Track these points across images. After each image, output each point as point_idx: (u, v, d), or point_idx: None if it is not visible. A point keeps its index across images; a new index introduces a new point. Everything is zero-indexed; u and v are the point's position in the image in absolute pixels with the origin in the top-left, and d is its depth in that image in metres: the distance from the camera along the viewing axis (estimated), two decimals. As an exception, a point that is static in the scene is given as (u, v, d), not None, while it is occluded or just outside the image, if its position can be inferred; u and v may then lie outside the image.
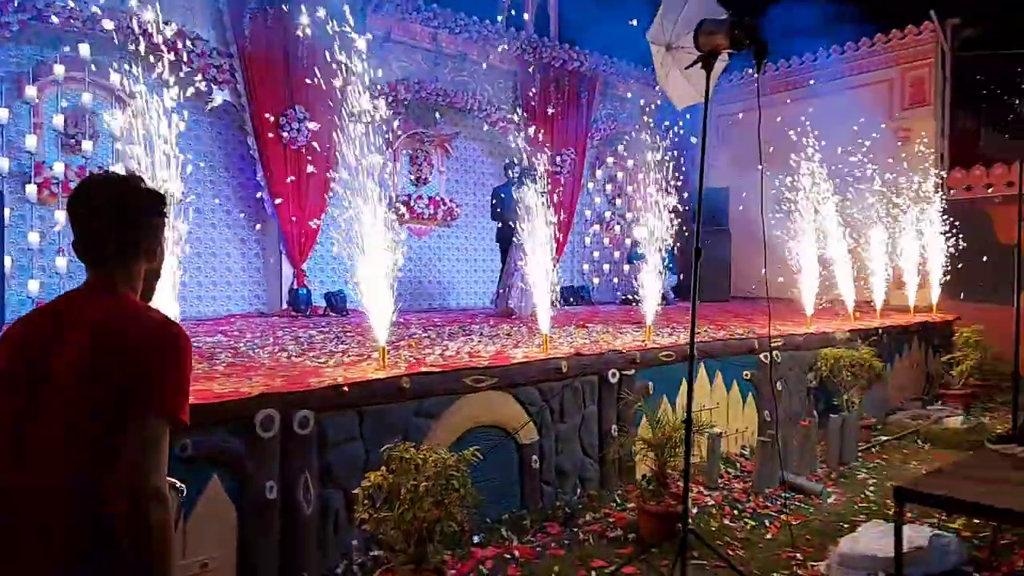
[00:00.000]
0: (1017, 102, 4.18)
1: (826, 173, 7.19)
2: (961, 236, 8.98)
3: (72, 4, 6.50)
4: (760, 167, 3.09)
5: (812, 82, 11.13)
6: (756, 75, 2.74)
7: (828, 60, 11.09)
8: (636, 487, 4.40)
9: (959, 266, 8.88)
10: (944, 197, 9.39)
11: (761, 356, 5.82)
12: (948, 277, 8.77)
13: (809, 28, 11.61)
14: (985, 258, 8.76)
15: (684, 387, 4.79)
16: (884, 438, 6.28)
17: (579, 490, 4.48)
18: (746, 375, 5.81)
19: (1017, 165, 8.11)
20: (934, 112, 9.92)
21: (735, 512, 4.39)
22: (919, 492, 2.82)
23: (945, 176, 9.85)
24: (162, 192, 1.72)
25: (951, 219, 8.92)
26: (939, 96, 9.93)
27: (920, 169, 9.42)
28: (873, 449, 5.97)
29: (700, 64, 2.93)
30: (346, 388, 3.39)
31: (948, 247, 8.78)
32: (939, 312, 8.76)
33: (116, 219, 1.59)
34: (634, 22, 7.35)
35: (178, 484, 2.40)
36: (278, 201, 7.80)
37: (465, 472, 3.03)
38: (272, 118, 7.64)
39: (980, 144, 10.23)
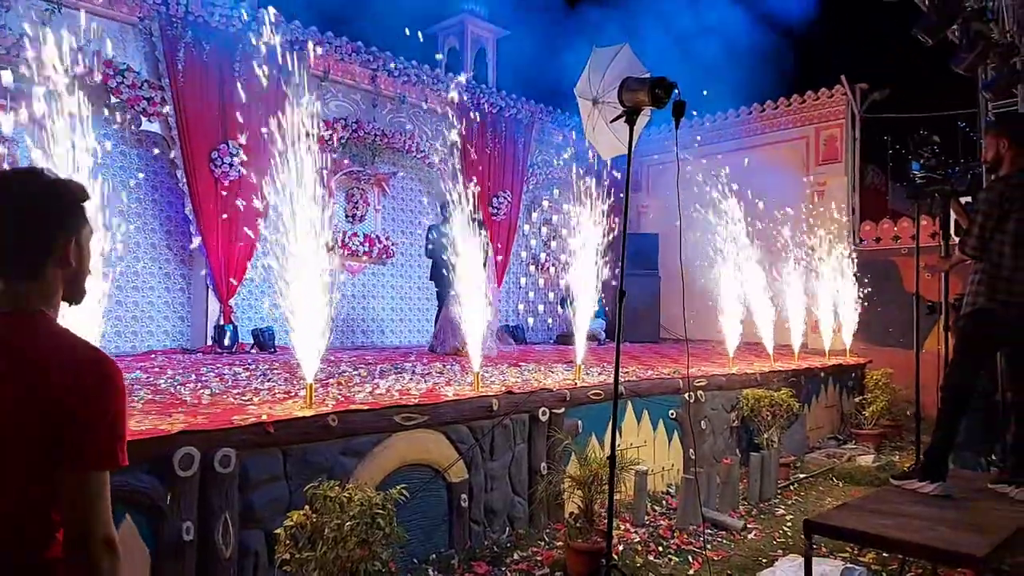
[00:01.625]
0: (912, 167, 4.56)
1: (749, 222, 7.58)
2: (871, 284, 9.56)
3: (-4, 29, 6.32)
4: (678, 221, 3.26)
5: (738, 136, 11.79)
6: (674, 131, 2.92)
7: (751, 116, 11.76)
8: (564, 525, 4.44)
9: (869, 312, 9.43)
10: (855, 248, 10.01)
11: (686, 395, 6.01)
12: (859, 323, 9.28)
13: (736, 86, 12.36)
14: (897, 305, 9.34)
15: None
16: (802, 475, 6.53)
17: (508, 529, 4.48)
18: (672, 414, 5.97)
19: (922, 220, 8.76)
20: (846, 168, 10.62)
21: (659, 548, 4.47)
22: (826, 525, 2.97)
23: (856, 228, 10.51)
24: (75, 183, 1.48)
25: (862, 268, 9.49)
26: (850, 154, 10.66)
27: (834, 221, 10.03)
28: (792, 486, 6.20)
29: (624, 118, 3.10)
30: (270, 426, 3.33)
31: (859, 294, 9.32)
32: (852, 355, 9.24)
33: (14, 222, 1.37)
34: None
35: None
36: (203, 238, 7.64)
37: (391, 511, 3.01)
38: (204, 152, 7.54)
39: (887, 199, 11.00)
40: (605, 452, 4.92)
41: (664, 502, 5.47)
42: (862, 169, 10.78)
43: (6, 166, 6.64)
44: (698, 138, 11.55)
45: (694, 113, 12.30)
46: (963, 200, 4.64)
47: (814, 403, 8.00)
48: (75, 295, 1.49)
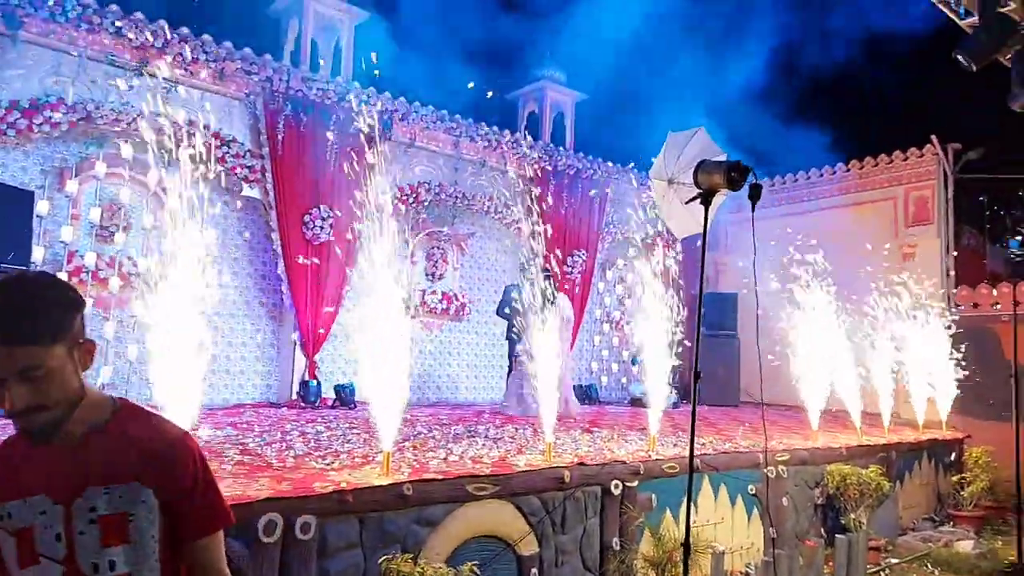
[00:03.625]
0: (1011, 245, 4.35)
1: (833, 286, 7.35)
2: (969, 353, 9.01)
3: (119, 108, 6.99)
4: (755, 289, 3.25)
5: (820, 197, 11.52)
6: (752, 214, 2.94)
7: (835, 177, 11.50)
8: (636, 605, 4.33)
9: (967, 383, 8.86)
10: (951, 314, 9.49)
11: (766, 471, 5.80)
12: (956, 394, 8.74)
13: (819, 145, 12.15)
14: (998, 376, 8.75)
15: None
16: (893, 561, 6.14)
17: (578, 606, 4.41)
18: (751, 490, 5.77)
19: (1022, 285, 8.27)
20: (938, 230, 10.18)
21: (737, 637, 4.28)
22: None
23: (951, 293, 9.99)
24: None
25: (958, 336, 8.97)
26: (943, 215, 10.21)
27: (926, 285, 9.57)
28: (882, 573, 5.84)
29: (699, 200, 3.14)
30: (349, 495, 3.45)
31: (956, 363, 8.80)
32: (949, 429, 8.68)
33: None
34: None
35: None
36: (293, 296, 8.05)
37: (462, 588, 3.04)
38: (298, 216, 8.01)
39: (985, 262, 10.43)
40: (680, 528, 4.80)
41: (742, 583, 5.25)
42: (956, 231, 10.29)
43: (122, 232, 7.26)
44: (778, 197, 11.35)
45: (769, 178, 12.12)
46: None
47: (907, 480, 7.54)
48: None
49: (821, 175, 11.67)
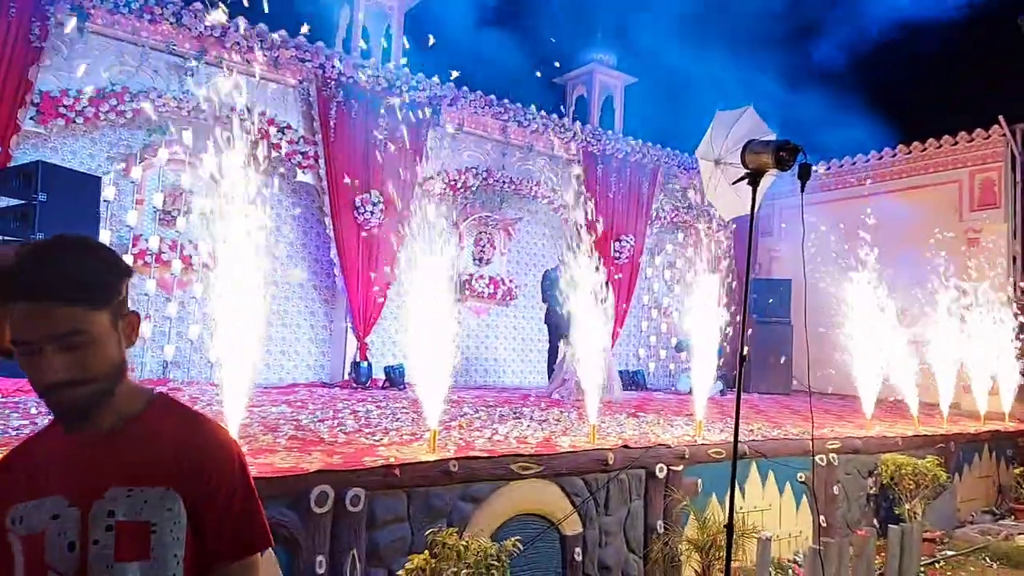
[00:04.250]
0: None
1: (892, 272, 7.12)
2: (1036, 342, 8.63)
3: (180, 95, 7.25)
4: (804, 272, 3.19)
5: (879, 180, 11.15)
6: (801, 195, 2.89)
7: (895, 159, 11.10)
8: (680, 588, 4.34)
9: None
10: (1016, 300, 9.10)
11: (817, 458, 5.70)
12: (1021, 385, 8.39)
13: (876, 128, 11.75)
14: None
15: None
16: (949, 553, 5.97)
17: (622, 586, 4.44)
18: (800, 477, 5.68)
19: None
20: (1005, 214, 9.75)
21: (782, 623, 4.26)
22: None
23: (1017, 279, 9.57)
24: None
25: (1025, 323, 8.61)
26: (1010, 198, 9.77)
27: (991, 270, 9.20)
28: (937, 565, 5.69)
29: (747, 180, 3.10)
30: (397, 469, 3.55)
31: (1021, 353, 8.44)
32: (1012, 420, 8.35)
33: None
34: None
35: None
36: (345, 279, 8.25)
37: (505, 562, 3.11)
38: (350, 200, 8.18)
39: (1055, 247, 9.97)
40: (725, 513, 4.78)
41: (790, 571, 5.20)
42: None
43: (183, 217, 7.54)
44: (834, 180, 11.02)
45: (826, 160, 11.78)
46: None
47: (966, 472, 7.30)
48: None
49: (881, 158, 11.28)
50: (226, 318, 3.98)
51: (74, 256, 1.22)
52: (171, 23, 7.24)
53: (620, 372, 10.57)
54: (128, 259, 7.22)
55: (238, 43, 7.59)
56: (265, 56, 7.81)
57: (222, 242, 4.19)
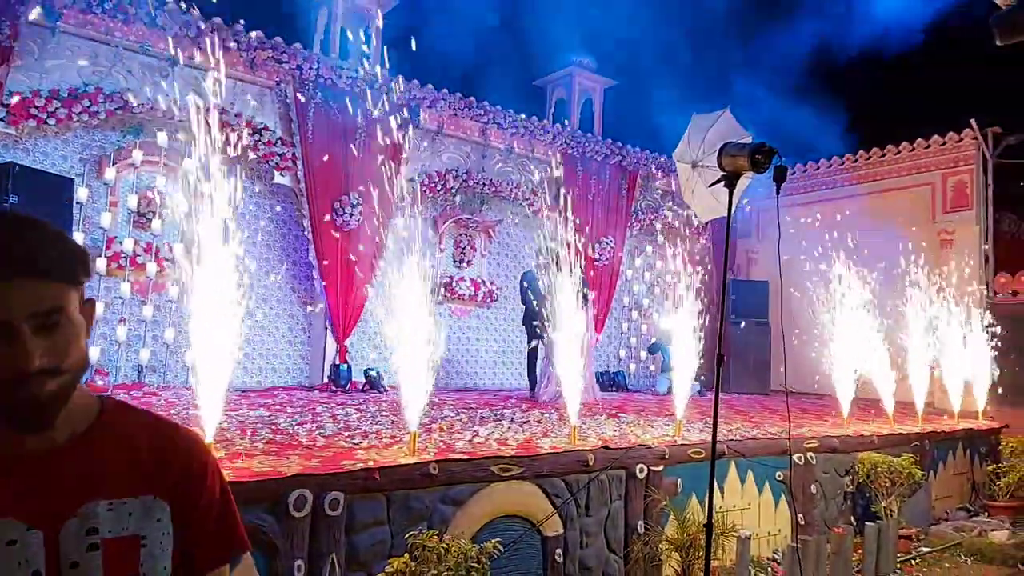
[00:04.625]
0: None
1: (867, 273, 7.22)
2: (1007, 341, 8.80)
3: (154, 97, 7.15)
4: (779, 273, 3.23)
5: (854, 183, 11.31)
6: (776, 197, 2.91)
7: (870, 162, 11.27)
8: (661, 587, 4.36)
9: (1006, 372, 8.67)
10: (989, 301, 9.27)
11: (795, 457, 5.76)
12: (994, 383, 8.55)
13: (848, 129, 11.92)
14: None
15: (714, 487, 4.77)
16: (925, 550, 6.06)
17: (602, 587, 4.45)
18: (779, 476, 5.73)
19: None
20: (977, 216, 9.93)
21: (761, 621, 4.29)
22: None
23: (990, 280, 9.75)
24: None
25: (996, 323, 8.77)
26: (981, 201, 9.96)
27: (964, 272, 9.37)
28: (913, 561, 5.77)
29: (723, 183, 3.12)
30: (376, 472, 3.52)
31: (994, 352, 8.60)
32: (985, 418, 8.50)
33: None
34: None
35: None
36: (324, 282, 8.19)
37: (486, 564, 3.10)
38: (328, 202, 8.12)
39: (1026, 249, 10.17)
40: (705, 513, 4.81)
41: (769, 569, 5.25)
42: (996, 217, 10.03)
43: (158, 219, 7.43)
44: (809, 184, 11.16)
45: (803, 163, 11.93)
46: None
47: (941, 470, 7.42)
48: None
49: (856, 160, 11.45)
50: (201, 321, 3.93)
51: (44, 230, 1.09)
52: (145, 23, 7.14)
53: (600, 373, 10.61)
54: (102, 262, 7.11)
55: (213, 44, 7.50)
56: (241, 57, 7.74)
57: (197, 244, 4.14)
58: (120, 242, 7.23)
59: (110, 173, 7.27)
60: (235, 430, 4.55)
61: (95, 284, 7.22)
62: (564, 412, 5.16)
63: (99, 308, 7.09)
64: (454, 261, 10.09)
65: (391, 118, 8.24)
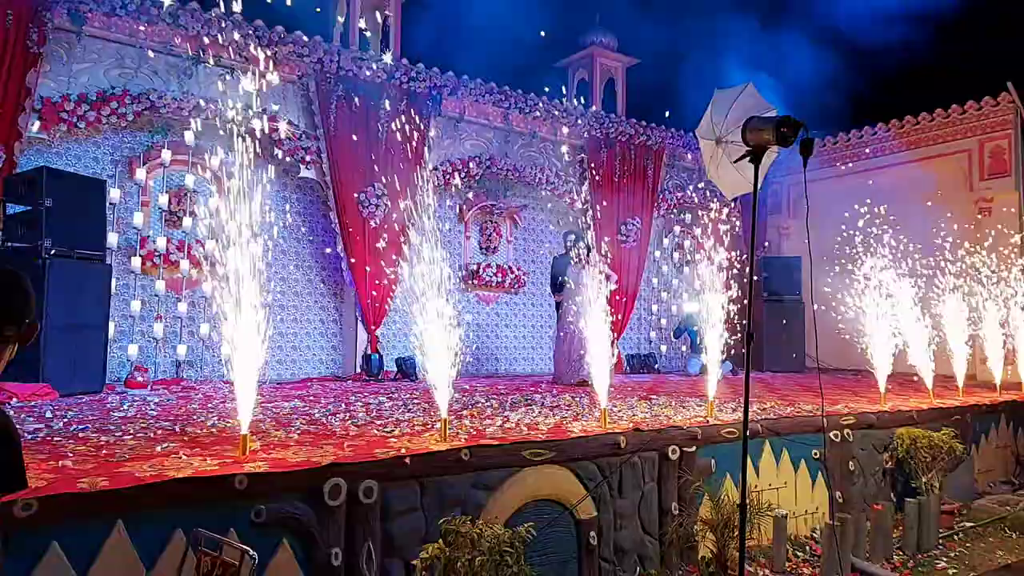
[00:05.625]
0: None
1: (904, 244, 7.05)
2: (1051, 310, 8.52)
3: (180, 96, 7.25)
4: (808, 247, 3.17)
5: (887, 152, 11.02)
6: (803, 170, 2.85)
7: (902, 131, 10.96)
8: (697, 568, 4.34)
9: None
10: (1031, 269, 8.97)
11: (831, 434, 5.67)
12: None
13: (883, 99, 11.58)
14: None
15: (747, 466, 4.73)
16: (968, 524, 5.94)
17: (638, 569, 4.44)
18: (815, 454, 5.66)
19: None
20: (1016, 183, 9.61)
21: (800, 600, 4.25)
22: (985, 591, 2.73)
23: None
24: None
25: (1039, 292, 8.49)
26: (1021, 166, 9.63)
27: (1004, 240, 9.09)
28: (956, 537, 5.66)
29: (748, 158, 3.06)
30: (408, 459, 3.56)
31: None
32: (1029, 390, 8.26)
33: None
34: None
35: (249, 552, 2.61)
36: (352, 273, 8.26)
37: (520, 549, 3.11)
38: (353, 194, 8.18)
39: (1069, 214, 9.83)
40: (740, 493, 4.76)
41: (808, 548, 5.19)
42: (1036, 183, 9.71)
43: (189, 216, 7.56)
44: (843, 154, 10.90)
45: (832, 135, 11.64)
46: None
47: (983, 443, 7.24)
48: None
49: (888, 129, 11.15)
50: (232, 316, 3.99)
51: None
52: (168, 23, 7.23)
53: (631, 355, 10.57)
54: (136, 261, 7.26)
55: (235, 41, 7.57)
56: (264, 53, 7.80)
57: (227, 241, 4.20)
58: (153, 240, 7.38)
59: (140, 173, 7.41)
60: (270, 422, 4.63)
61: (131, 283, 7.39)
62: (595, 396, 5.15)
63: (135, 306, 7.26)
64: (480, 248, 10.10)
65: (412, 107, 8.25)
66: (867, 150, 11.29)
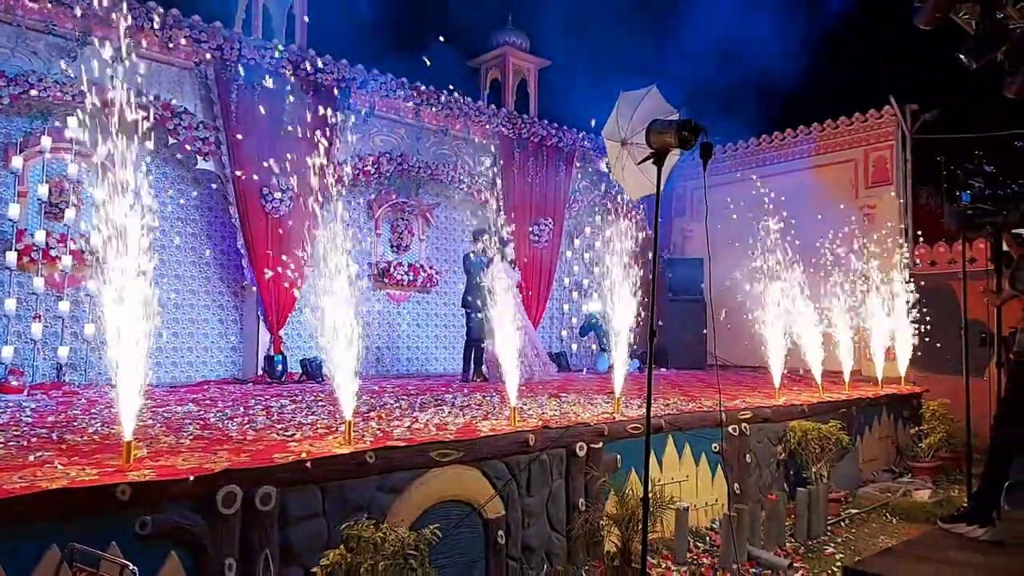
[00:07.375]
0: (962, 198, 4.44)
1: (796, 246, 7.42)
2: (926, 310, 9.22)
3: (63, 80, 6.73)
4: (707, 248, 3.26)
5: (785, 160, 11.64)
6: (703, 173, 2.93)
7: (798, 139, 11.60)
8: (603, 562, 4.40)
9: (926, 339, 9.09)
10: (909, 272, 9.69)
11: (730, 428, 5.90)
12: (915, 350, 8.96)
13: (778, 110, 12.21)
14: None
15: (651, 461, 4.83)
16: (853, 511, 6.33)
17: (546, 566, 4.46)
18: (715, 447, 5.87)
19: (979, 242, 8.49)
20: (897, 191, 10.35)
21: (700, 589, 4.39)
22: (867, 574, 2.89)
23: (910, 252, 10.19)
24: None
25: (917, 293, 9.17)
26: (901, 176, 10.39)
27: (885, 244, 9.75)
28: (842, 523, 6.01)
29: (652, 160, 3.12)
30: (309, 463, 3.42)
31: (914, 320, 9.00)
32: (907, 384, 8.91)
33: None
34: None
35: (130, 566, 2.43)
36: (254, 271, 7.92)
37: (424, 551, 3.05)
38: (255, 188, 7.84)
39: (942, 221, 10.63)
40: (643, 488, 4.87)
41: (708, 538, 5.37)
42: (915, 191, 10.48)
43: (72, 208, 7.04)
44: (740, 161, 11.41)
45: (732, 142, 12.18)
46: (1016, 231, 4.49)
47: (867, 434, 7.74)
48: None
49: (784, 138, 11.77)
50: (119, 316, 3.73)
51: None
52: (51, 1, 6.70)
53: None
54: (12, 256, 6.69)
55: (126, 22, 7.09)
56: (157, 37, 7.36)
57: (112, 235, 3.91)
58: (31, 234, 6.82)
59: (17, 161, 6.84)
60: (160, 427, 4.35)
61: (6, 280, 6.80)
62: (505, 394, 5.14)
63: (11, 304, 6.69)
64: (391, 246, 9.92)
65: (319, 100, 8.00)
66: (765, 156, 11.88)
